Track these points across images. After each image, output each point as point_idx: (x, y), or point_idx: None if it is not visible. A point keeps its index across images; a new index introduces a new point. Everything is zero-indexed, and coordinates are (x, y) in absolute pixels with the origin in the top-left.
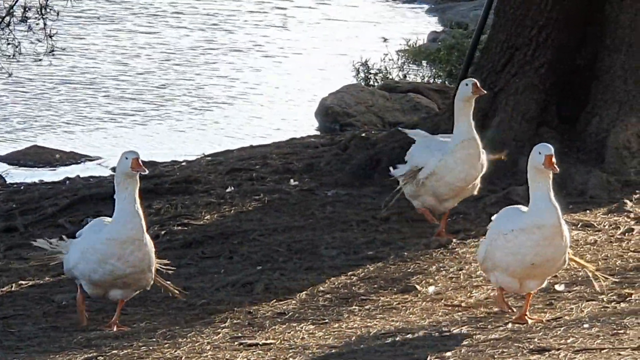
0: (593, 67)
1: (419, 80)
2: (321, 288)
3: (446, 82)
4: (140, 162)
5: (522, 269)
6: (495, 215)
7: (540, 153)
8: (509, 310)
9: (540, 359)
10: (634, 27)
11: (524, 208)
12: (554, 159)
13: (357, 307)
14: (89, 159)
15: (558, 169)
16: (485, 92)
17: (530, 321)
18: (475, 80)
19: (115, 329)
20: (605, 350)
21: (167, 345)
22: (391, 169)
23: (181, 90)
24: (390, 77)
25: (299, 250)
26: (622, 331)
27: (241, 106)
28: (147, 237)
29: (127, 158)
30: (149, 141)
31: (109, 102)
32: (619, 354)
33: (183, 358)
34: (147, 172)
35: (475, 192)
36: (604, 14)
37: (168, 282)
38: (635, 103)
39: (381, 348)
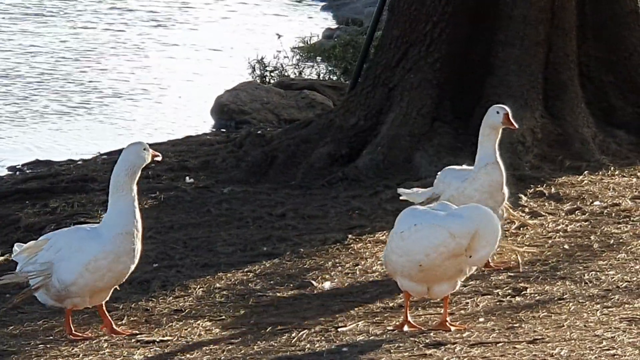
0: (487, 62)
1: (314, 77)
2: (218, 285)
3: (341, 79)
4: (154, 153)
5: (415, 270)
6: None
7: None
8: (404, 322)
9: (437, 353)
10: (527, 21)
11: (421, 208)
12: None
13: (253, 304)
14: None
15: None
16: (517, 126)
17: (453, 328)
18: (508, 110)
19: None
20: (500, 344)
21: (64, 343)
22: (400, 190)
23: (76, 88)
24: (286, 74)
25: (195, 247)
26: (517, 325)
27: (136, 104)
28: None
29: (145, 149)
30: (44, 140)
31: (1, 100)
32: (515, 348)
33: (81, 356)
34: (160, 158)
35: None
36: (497, 8)
37: None
38: (530, 98)
39: (278, 344)
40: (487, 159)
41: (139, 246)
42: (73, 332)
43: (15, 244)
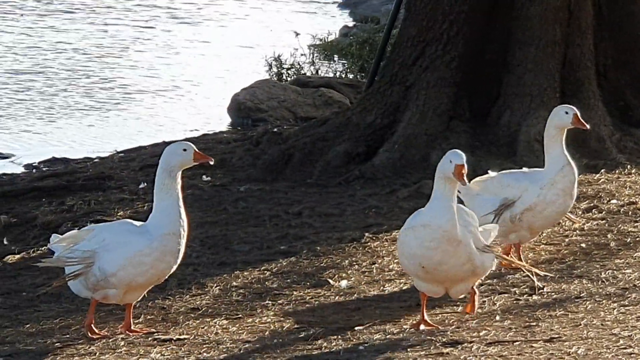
0: (504, 60)
1: (331, 75)
2: (234, 283)
3: (358, 77)
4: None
5: (416, 272)
6: None
7: (451, 162)
8: (421, 320)
9: (453, 352)
10: (544, 20)
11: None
12: (464, 171)
13: (270, 302)
14: (1, 156)
15: (467, 182)
16: (588, 127)
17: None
18: (577, 111)
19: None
20: (517, 343)
21: (81, 341)
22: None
23: (92, 87)
24: (303, 72)
25: (212, 246)
26: (534, 324)
27: (154, 102)
28: None
29: (185, 150)
30: (62, 138)
31: (19, 98)
32: (532, 346)
33: (97, 354)
34: (212, 162)
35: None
36: (514, 7)
37: None
38: (546, 96)
39: (294, 342)
40: (561, 162)
41: (183, 247)
42: (93, 324)
43: (53, 235)
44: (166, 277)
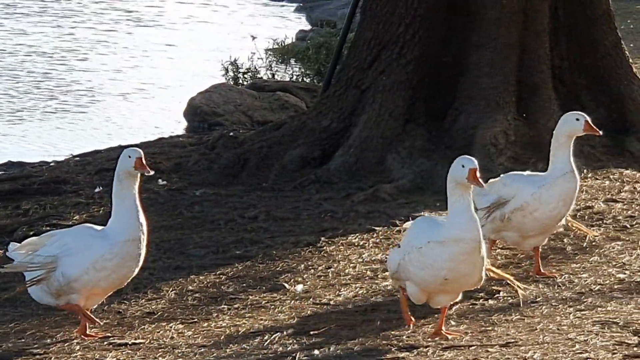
0: (460, 64)
1: (287, 79)
2: (190, 287)
3: (314, 81)
4: (144, 161)
5: (435, 284)
6: (409, 225)
7: (463, 166)
8: (409, 320)
9: (409, 356)
10: (500, 23)
11: (439, 218)
12: (478, 173)
13: (225, 306)
14: None
15: (484, 184)
16: (600, 132)
17: (449, 337)
18: (587, 117)
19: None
20: (473, 348)
21: (36, 345)
22: None
23: (50, 90)
24: (259, 76)
25: (167, 250)
26: (490, 328)
27: (111, 106)
28: None
29: (129, 156)
30: (17, 141)
31: None
32: (487, 351)
33: (52, 358)
34: (152, 173)
35: (561, 229)
36: (470, 10)
37: None
38: (502, 100)
39: (250, 347)
40: (565, 168)
41: (144, 251)
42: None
43: (10, 243)
44: (129, 280)
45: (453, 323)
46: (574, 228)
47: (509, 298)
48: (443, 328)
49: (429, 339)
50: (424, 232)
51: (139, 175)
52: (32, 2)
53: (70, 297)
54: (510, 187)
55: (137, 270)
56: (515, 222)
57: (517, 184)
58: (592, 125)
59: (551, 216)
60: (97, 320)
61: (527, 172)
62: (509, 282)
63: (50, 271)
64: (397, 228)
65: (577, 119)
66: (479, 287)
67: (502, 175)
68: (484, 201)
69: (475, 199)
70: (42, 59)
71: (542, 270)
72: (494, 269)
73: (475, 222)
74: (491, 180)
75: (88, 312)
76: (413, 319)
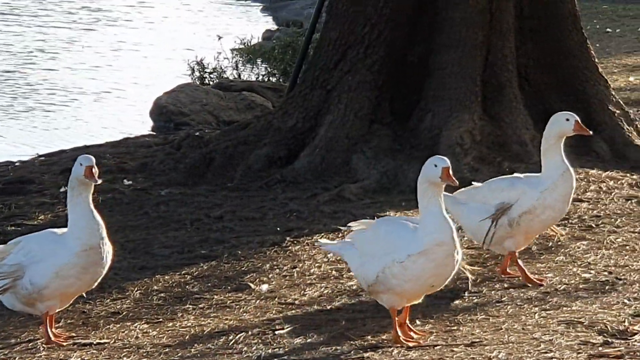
0: (426, 64)
1: (253, 78)
2: (155, 287)
3: (281, 81)
4: (94, 171)
5: (421, 292)
6: (374, 226)
7: (436, 166)
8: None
9: (374, 356)
10: (465, 24)
11: (410, 223)
12: (451, 171)
13: (191, 306)
14: None
15: (457, 181)
16: (591, 132)
17: (411, 344)
18: (577, 117)
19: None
20: (438, 347)
21: (0, 346)
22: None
23: (15, 89)
24: (225, 76)
25: (132, 250)
26: (455, 328)
27: (75, 106)
28: None
29: (81, 164)
30: None
31: None
32: (452, 351)
33: (17, 358)
34: (99, 182)
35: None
36: (436, 10)
37: None
38: (468, 100)
39: (215, 347)
40: (561, 167)
41: (107, 250)
42: (53, 338)
43: None
44: (98, 281)
45: (418, 323)
46: (553, 232)
47: (474, 298)
48: (405, 327)
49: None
50: (399, 241)
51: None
52: (2, 1)
53: (47, 304)
54: (511, 191)
55: (104, 271)
56: (524, 226)
57: (518, 187)
58: (582, 125)
59: (555, 216)
60: (52, 339)
61: (518, 174)
62: (468, 271)
63: (16, 279)
64: None
65: (567, 119)
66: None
67: (483, 183)
68: (484, 210)
69: (467, 213)
70: (9, 58)
71: (508, 270)
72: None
73: (448, 223)
74: (462, 189)
75: (49, 329)
76: (402, 336)
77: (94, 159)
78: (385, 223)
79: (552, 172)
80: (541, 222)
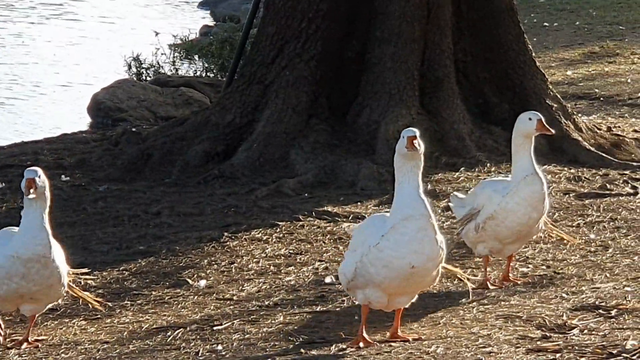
0: (363, 58)
1: (191, 74)
2: (93, 284)
3: (218, 76)
4: (33, 183)
5: (401, 279)
6: (357, 227)
7: (403, 137)
8: (362, 338)
9: (311, 351)
10: (403, 18)
11: (387, 214)
12: (416, 141)
13: (129, 302)
14: None
15: (419, 149)
16: (553, 132)
17: (410, 338)
18: (541, 117)
19: (25, 346)
20: (376, 343)
21: None
22: (451, 203)
23: None
24: (163, 71)
25: (70, 246)
26: (391, 323)
27: (11, 102)
28: (57, 249)
29: (24, 176)
30: None
31: None
32: (391, 346)
33: None
34: (32, 197)
35: (540, 233)
36: (373, 5)
37: (86, 293)
38: (406, 94)
39: (153, 342)
40: (526, 172)
41: (45, 272)
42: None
43: None
44: (33, 295)
45: (357, 318)
46: (553, 235)
47: None
48: (399, 331)
49: (332, 334)
50: (376, 229)
51: (46, 191)
52: None
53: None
54: (480, 195)
55: (35, 288)
56: (491, 231)
57: (486, 192)
58: (545, 124)
59: (522, 222)
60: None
61: (500, 178)
62: (458, 276)
63: None
64: (300, 223)
65: (530, 118)
66: (435, 284)
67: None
68: (461, 212)
69: (455, 211)
70: None
71: (511, 277)
72: (446, 265)
73: (422, 200)
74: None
75: None
76: (367, 336)
77: (35, 173)
78: (369, 218)
79: (517, 176)
80: (508, 229)
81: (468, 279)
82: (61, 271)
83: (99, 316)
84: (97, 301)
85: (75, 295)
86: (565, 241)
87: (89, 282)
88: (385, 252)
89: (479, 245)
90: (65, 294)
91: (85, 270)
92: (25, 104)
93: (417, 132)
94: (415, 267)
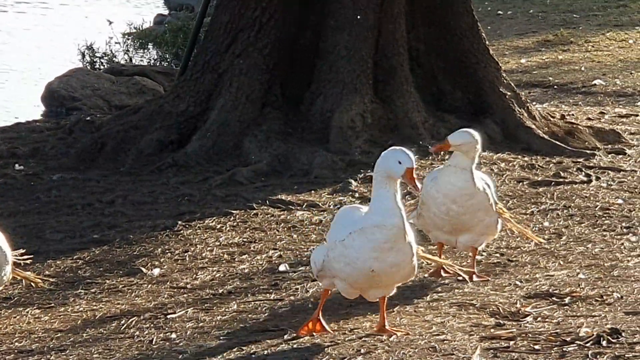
0: (317, 47)
1: (145, 63)
2: (47, 272)
3: (172, 65)
4: None
5: (363, 279)
6: (334, 217)
7: (400, 163)
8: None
9: (266, 339)
10: (356, 6)
11: (363, 208)
12: (415, 174)
13: (82, 291)
14: None
15: (419, 188)
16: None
17: (399, 333)
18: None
19: None
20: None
21: None
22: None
23: None
24: (116, 60)
25: (24, 235)
26: (345, 311)
27: None
28: None
29: None
30: None
31: None
32: (344, 334)
33: None
34: None
35: (496, 235)
36: None
37: (27, 273)
38: (359, 83)
39: (107, 331)
40: (449, 162)
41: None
42: None
43: None
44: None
45: (311, 307)
46: (517, 233)
47: None
48: (386, 323)
49: (285, 322)
50: (346, 223)
51: None
52: None
53: None
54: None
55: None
56: (427, 218)
57: (427, 177)
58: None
59: (443, 211)
60: None
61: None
62: (445, 266)
63: None
64: (254, 211)
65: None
66: (413, 278)
67: None
68: None
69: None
70: None
71: (476, 273)
72: (428, 255)
73: (398, 209)
74: None
75: None
76: (325, 323)
77: None
78: (342, 209)
79: (450, 163)
80: (436, 216)
81: (460, 270)
82: (6, 251)
83: (52, 305)
84: (40, 279)
85: (18, 277)
86: (528, 239)
87: (44, 270)
88: (349, 250)
89: (430, 234)
90: (10, 276)
91: (22, 251)
92: None
93: (415, 162)
94: (375, 272)
